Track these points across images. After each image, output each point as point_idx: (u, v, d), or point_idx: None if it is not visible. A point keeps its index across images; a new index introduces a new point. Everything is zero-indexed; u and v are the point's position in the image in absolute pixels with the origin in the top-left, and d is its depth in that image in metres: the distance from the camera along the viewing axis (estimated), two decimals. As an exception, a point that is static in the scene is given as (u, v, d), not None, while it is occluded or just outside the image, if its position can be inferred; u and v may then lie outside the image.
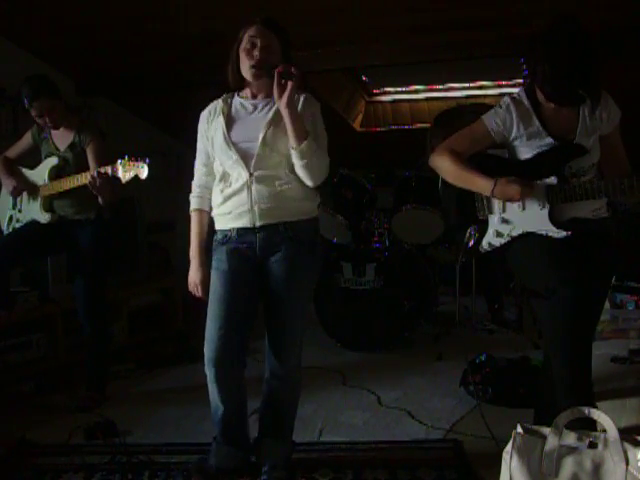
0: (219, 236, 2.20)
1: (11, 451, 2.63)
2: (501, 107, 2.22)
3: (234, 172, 2.11)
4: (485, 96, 5.60)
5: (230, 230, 2.16)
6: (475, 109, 4.35)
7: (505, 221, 2.25)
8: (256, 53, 2.05)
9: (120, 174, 2.77)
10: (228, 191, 2.13)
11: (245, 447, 2.34)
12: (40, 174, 3.15)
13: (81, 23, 3.79)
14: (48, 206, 3.13)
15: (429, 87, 5.80)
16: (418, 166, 4.39)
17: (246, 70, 2.08)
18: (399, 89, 5.87)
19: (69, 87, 4.39)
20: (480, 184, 2.18)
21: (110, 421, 2.84)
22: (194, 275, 2.25)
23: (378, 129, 5.92)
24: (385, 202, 4.57)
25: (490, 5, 3.51)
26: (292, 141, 2.04)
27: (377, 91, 5.92)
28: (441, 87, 5.78)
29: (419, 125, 5.66)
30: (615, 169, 2.19)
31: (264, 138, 2.07)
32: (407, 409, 2.98)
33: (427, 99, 5.85)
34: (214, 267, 2.18)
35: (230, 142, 2.10)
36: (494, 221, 2.27)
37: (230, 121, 2.14)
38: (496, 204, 2.28)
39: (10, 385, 3.34)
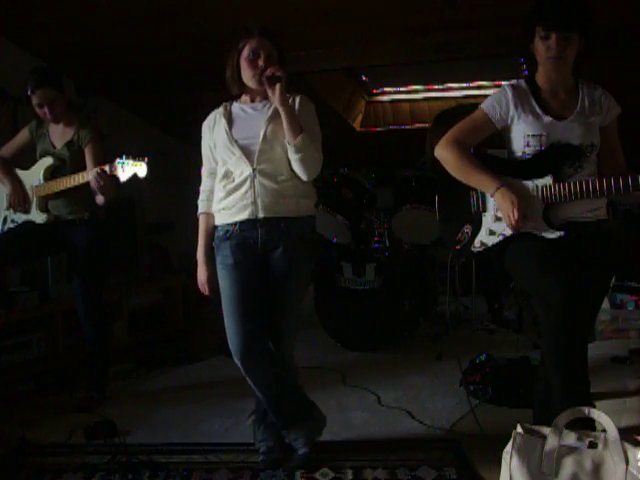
0: (220, 232, 2.30)
1: (11, 451, 2.62)
2: (498, 92, 2.24)
3: (237, 169, 2.24)
4: (484, 96, 5.60)
5: (232, 225, 2.26)
6: (474, 109, 4.36)
7: (499, 219, 2.23)
8: (261, 63, 2.20)
9: (119, 173, 2.77)
10: (230, 186, 2.25)
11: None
12: (35, 174, 3.13)
13: (81, 23, 3.78)
14: (43, 206, 3.12)
15: (428, 87, 5.80)
16: (418, 166, 4.39)
17: (249, 78, 2.23)
18: (398, 89, 5.87)
19: (69, 87, 4.39)
20: (485, 181, 2.17)
21: (110, 421, 2.83)
22: (201, 274, 2.36)
23: (378, 129, 5.92)
24: (385, 202, 4.57)
25: (489, 5, 3.51)
26: (288, 136, 2.19)
27: (377, 91, 5.92)
28: (440, 87, 5.79)
29: (419, 125, 5.66)
30: (612, 166, 2.19)
31: (265, 134, 2.22)
32: (407, 409, 2.97)
33: (426, 99, 5.85)
34: (220, 263, 2.29)
35: (232, 140, 2.24)
36: (488, 219, 2.27)
37: (231, 122, 2.30)
38: (491, 201, 2.27)
39: (10, 385, 3.34)
